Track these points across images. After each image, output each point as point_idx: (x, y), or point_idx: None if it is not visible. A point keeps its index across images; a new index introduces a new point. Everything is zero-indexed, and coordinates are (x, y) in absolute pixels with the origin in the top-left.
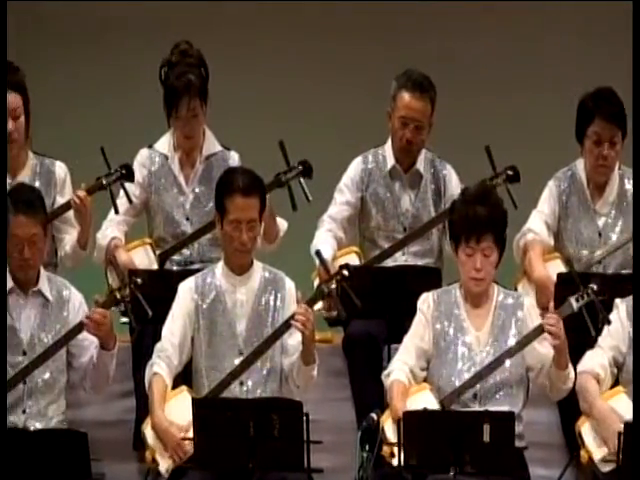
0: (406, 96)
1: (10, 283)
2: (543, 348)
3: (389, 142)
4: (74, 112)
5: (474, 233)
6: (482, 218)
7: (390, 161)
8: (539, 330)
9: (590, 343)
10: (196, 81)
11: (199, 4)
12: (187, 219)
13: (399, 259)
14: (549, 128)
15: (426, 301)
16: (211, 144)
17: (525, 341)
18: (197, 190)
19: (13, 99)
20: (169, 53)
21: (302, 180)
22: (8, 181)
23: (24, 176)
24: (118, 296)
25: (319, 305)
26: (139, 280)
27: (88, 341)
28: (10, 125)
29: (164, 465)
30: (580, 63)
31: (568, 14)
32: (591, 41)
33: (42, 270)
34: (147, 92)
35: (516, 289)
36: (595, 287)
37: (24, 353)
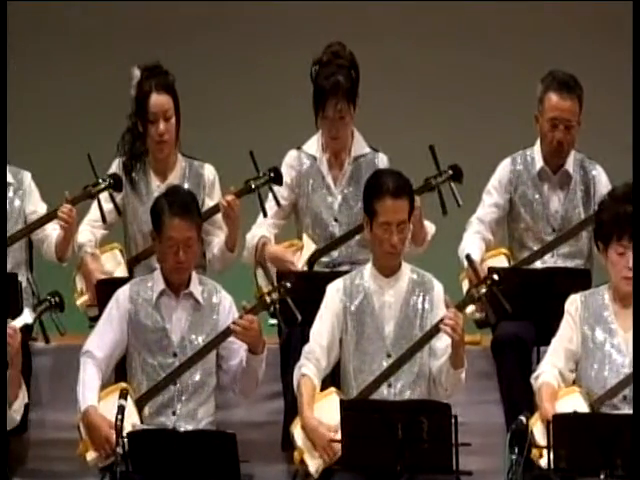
0: (553, 97)
1: (162, 285)
2: None
3: (537, 144)
4: (222, 115)
5: (626, 231)
6: None
7: (539, 162)
8: None
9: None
10: (345, 83)
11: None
12: (335, 220)
13: (548, 261)
14: None
15: (574, 303)
16: (360, 145)
17: None
18: (345, 191)
19: (165, 101)
20: (321, 52)
21: (452, 184)
22: (157, 183)
23: (173, 178)
24: (268, 300)
25: (469, 309)
26: (288, 284)
27: (237, 344)
28: (162, 127)
29: (313, 466)
30: None
31: None
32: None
33: (193, 273)
34: (297, 93)
35: None
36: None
37: (175, 355)
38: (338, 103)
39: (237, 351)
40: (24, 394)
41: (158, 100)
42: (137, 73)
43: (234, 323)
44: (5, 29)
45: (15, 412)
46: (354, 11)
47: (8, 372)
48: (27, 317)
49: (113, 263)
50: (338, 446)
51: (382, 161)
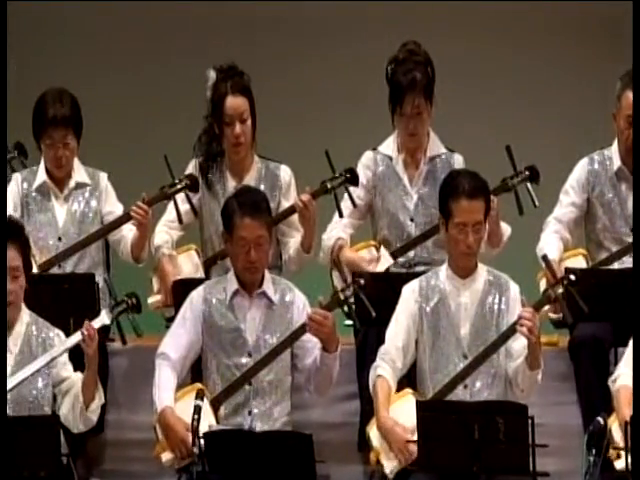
0: (630, 95)
1: (235, 285)
2: None
3: (615, 143)
4: (298, 116)
5: None
6: None
7: (616, 162)
8: None
9: None
10: (422, 79)
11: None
12: (411, 220)
13: (626, 261)
14: None
15: None
16: (435, 146)
17: None
18: (421, 191)
19: (241, 103)
20: (396, 51)
21: (529, 185)
22: (233, 184)
23: (249, 179)
24: (342, 297)
25: (545, 309)
26: (362, 281)
27: (312, 343)
28: (237, 129)
29: (389, 466)
30: None
31: None
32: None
33: (266, 272)
34: (372, 94)
35: None
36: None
37: (249, 355)
38: (415, 99)
39: (311, 350)
40: (101, 395)
41: (234, 102)
42: (213, 75)
43: (309, 318)
44: (5, 29)
45: (92, 413)
46: (425, 10)
47: (85, 373)
48: (104, 318)
49: (189, 264)
50: (414, 447)
51: (458, 161)
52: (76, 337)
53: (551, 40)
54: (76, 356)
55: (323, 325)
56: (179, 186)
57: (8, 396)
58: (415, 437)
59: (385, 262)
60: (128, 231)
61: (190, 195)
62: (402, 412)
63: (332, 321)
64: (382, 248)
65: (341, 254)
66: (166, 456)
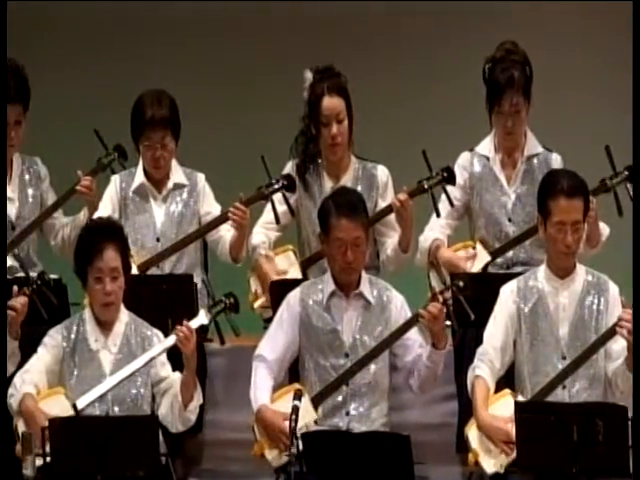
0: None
1: (332, 286)
2: None
3: None
4: (395, 116)
5: None
6: None
7: None
8: None
9: None
10: (520, 77)
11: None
12: (509, 220)
13: None
14: None
15: None
16: (533, 145)
17: None
18: (519, 190)
19: (337, 103)
20: (494, 50)
21: (628, 186)
22: (330, 185)
23: (346, 180)
24: (440, 299)
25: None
26: (461, 283)
27: (411, 341)
28: (334, 129)
29: (489, 467)
30: None
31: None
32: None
33: (363, 273)
34: (470, 94)
35: None
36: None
37: (346, 355)
38: (514, 97)
39: (412, 347)
40: (199, 395)
41: (330, 103)
42: (309, 76)
43: (424, 309)
44: (5, 29)
45: (190, 413)
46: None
47: (183, 372)
48: (202, 318)
49: (287, 265)
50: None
51: (556, 161)
52: (174, 337)
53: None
54: (175, 356)
55: (438, 318)
56: (276, 186)
57: (108, 396)
58: (514, 429)
59: (482, 259)
60: (226, 231)
61: (287, 196)
62: (500, 413)
63: (443, 318)
64: (478, 244)
65: (439, 254)
66: (271, 454)
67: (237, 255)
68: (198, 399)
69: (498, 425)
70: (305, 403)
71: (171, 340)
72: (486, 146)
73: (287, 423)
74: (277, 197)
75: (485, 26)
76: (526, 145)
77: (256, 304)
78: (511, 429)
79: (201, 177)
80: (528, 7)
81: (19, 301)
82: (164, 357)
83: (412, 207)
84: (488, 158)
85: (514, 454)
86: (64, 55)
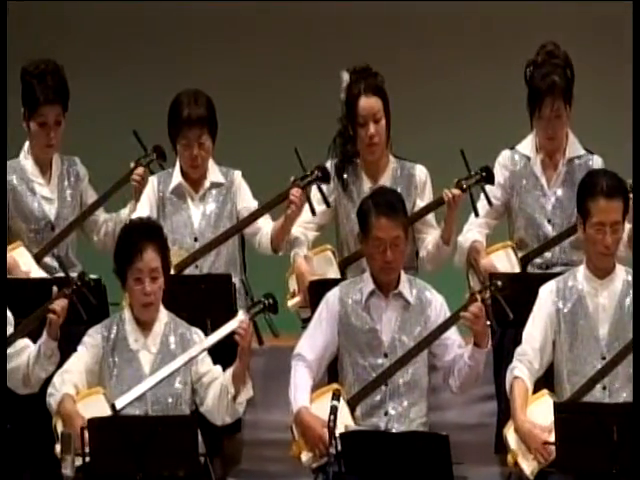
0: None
1: (371, 286)
2: None
3: None
4: (433, 115)
5: None
6: None
7: None
8: None
9: None
10: (560, 82)
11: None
12: (549, 221)
13: None
14: None
15: None
16: (574, 147)
17: None
18: (559, 192)
19: (374, 103)
20: (535, 54)
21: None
22: (369, 185)
23: (384, 180)
24: (478, 298)
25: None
26: (499, 283)
27: (451, 340)
28: (372, 129)
29: (528, 468)
30: None
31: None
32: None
33: (402, 273)
34: (508, 93)
35: None
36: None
37: (385, 355)
38: (555, 102)
39: (451, 347)
40: (249, 388)
41: (367, 103)
42: (346, 76)
43: (466, 309)
44: (5, 29)
45: (239, 405)
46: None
47: (236, 364)
48: (241, 318)
49: (325, 265)
50: (553, 448)
51: (597, 163)
52: (213, 338)
53: None
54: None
55: (479, 317)
56: (310, 178)
57: (147, 396)
58: (553, 437)
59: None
60: (265, 223)
61: (322, 187)
62: (539, 413)
63: (484, 317)
64: (510, 250)
65: (478, 258)
66: (305, 455)
67: (279, 244)
68: (248, 392)
69: (536, 433)
70: (342, 406)
71: (211, 340)
72: (527, 146)
73: (325, 430)
74: (313, 194)
75: (522, 26)
76: (568, 147)
77: (290, 303)
78: (548, 439)
79: (237, 174)
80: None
81: (59, 304)
82: (204, 353)
83: (462, 201)
84: (529, 158)
85: (546, 463)
86: (102, 55)
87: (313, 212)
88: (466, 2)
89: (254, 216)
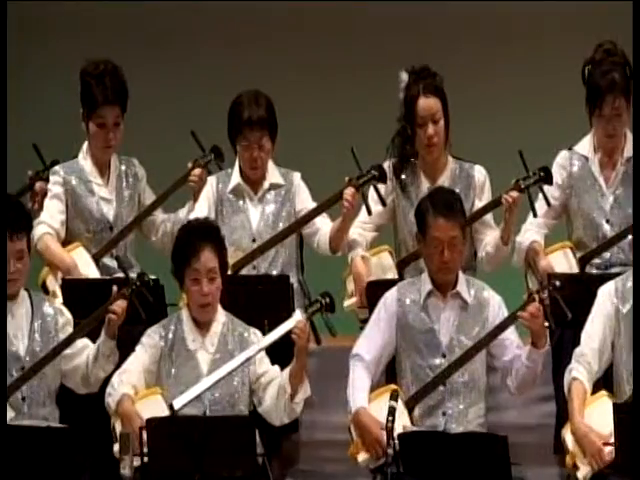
0: None
1: (429, 286)
2: None
3: None
4: (492, 115)
5: None
6: None
7: None
8: None
9: None
10: (620, 79)
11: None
12: (607, 221)
13: None
14: None
15: None
16: (631, 146)
17: None
18: (617, 192)
19: (433, 103)
20: (593, 52)
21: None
22: (427, 185)
23: (443, 180)
24: (536, 298)
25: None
26: (558, 283)
27: (509, 341)
28: (430, 130)
29: (582, 471)
30: None
31: None
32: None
33: (460, 273)
34: (567, 92)
35: None
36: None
37: (443, 355)
38: (616, 100)
39: (509, 347)
40: (306, 387)
41: (426, 103)
42: (405, 77)
43: (524, 310)
44: (5, 29)
45: (297, 405)
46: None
47: (293, 364)
48: (298, 318)
49: (383, 265)
50: (607, 454)
51: None
52: (270, 338)
53: None
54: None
55: (537, 317)
56: (366, 177)
57: (205, 396)
58: (612, 440)
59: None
60: (323, 223)
61: (379, 187)
62: (597, 415)
63: (542, 316)
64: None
65: (536, 259)
66: (362, 456)
67: (337, 245)
68: (305, 392)
69: (593, 439)
70: (400, 407)
71: (268, 340)
72: (585, 146)
73: (383, 432)
74: (371, 195)
75: (584, 25)
76: (626, 146)
77: (346, 303)
78: (603, 446)
79: (297, 176)
80: None
81: (119, 304)
82: (262, 353)
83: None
84: (587, 158)
85: (599, 468)
86: (162, 57)
87: (369, 212)
88: (518, 3)
89: (309, 216)
